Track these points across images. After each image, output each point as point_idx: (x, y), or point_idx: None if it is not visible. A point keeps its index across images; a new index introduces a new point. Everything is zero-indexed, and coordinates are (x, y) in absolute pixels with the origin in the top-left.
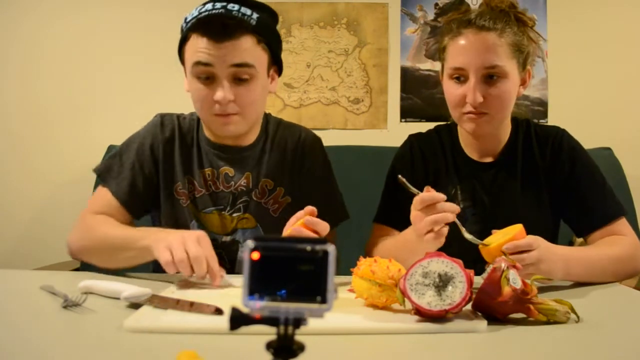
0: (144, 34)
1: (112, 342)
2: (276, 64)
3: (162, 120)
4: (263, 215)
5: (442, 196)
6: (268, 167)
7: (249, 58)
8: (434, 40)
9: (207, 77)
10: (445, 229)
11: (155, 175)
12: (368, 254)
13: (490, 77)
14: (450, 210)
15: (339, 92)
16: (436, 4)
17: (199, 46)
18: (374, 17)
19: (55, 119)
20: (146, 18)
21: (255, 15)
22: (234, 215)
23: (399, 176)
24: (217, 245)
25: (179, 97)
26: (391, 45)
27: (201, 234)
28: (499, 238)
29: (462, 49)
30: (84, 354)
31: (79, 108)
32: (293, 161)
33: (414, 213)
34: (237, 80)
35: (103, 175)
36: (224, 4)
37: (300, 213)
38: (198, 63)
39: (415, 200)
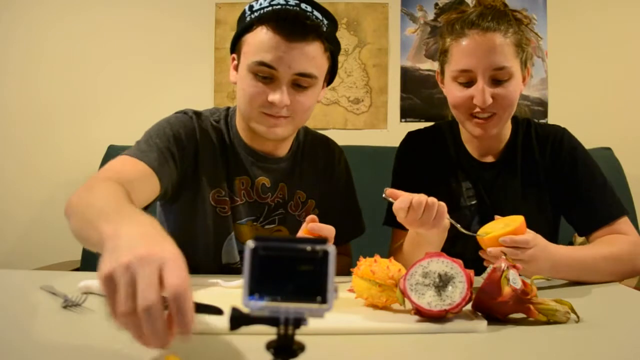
0: (144, 34)
1: (112, 342)
2: (331, 72)
3: (198, 121)
4: (297, 229)
5: (408, 196)
6: (301, 179)
7: (314, 68)
8: (434, 40)
9: (266, 76)
10: (440, 211)
11: (185, 169)
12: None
13: (498, 78)
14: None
15: (339, 92)
16: (436, 4)
17: (267, 43)
18: (374, 17)
19: (56, 119)
20: (146, 19)
21: (326, 22)
22: (267, 227)
23: (384, 192)
24: None
25: (179, 97)
26: (391, 45)
27: (169, 257)
28: (498, 228)
29: (467, 50)
30: (84, 354)
31: (79, 108)
32: (324, 172)
33: (403, 221)
34: (296, 86)
35: (134, 154)
36: (297, 1)
37: (303, 225)
38: (262, 63)
39: (395, 210)
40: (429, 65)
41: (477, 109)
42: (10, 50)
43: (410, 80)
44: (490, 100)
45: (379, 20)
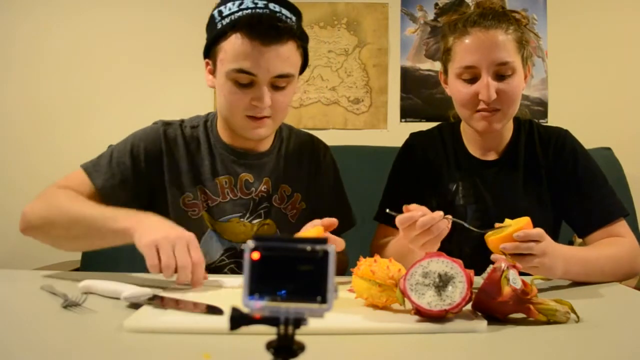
0: (145, 35)
1: (112, 342)
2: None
3: (165, 129)
4: (283, 221)
5: (418, 214)
6: (286, 173)
7: (290, 68)
8: (434, 40)
9: (245, 83)
10: (439, 235)
11: (150, 181)
12: (373, 255)
13: (501, 74)
14: (431, 222)
15: (339, 92)
16: (436, 4)
17: (243, 50)
18: (374, 17)
19: (56, 119)
20: (147, 20)
21: (294, 18)
22: (254, 222)
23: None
24: (236, 254)
25: (179, 98)
26: (391, 45)
27: (191, 237)
28: (506, 227)
29: (471, 47)
30: (84, 354)
31: (79, 109)
32: (309, 168)
33: (401, 233)
34: (274, 86)
35: (89, 169)
36: (265, 2)
37: (317, 221)
38: (241, 71)
39: (397, 221)
40: (429, 65)
41: (482, 105)
42: (11, 51)
43: (410, 80)
44: (494, 95)
45: (379, 20)
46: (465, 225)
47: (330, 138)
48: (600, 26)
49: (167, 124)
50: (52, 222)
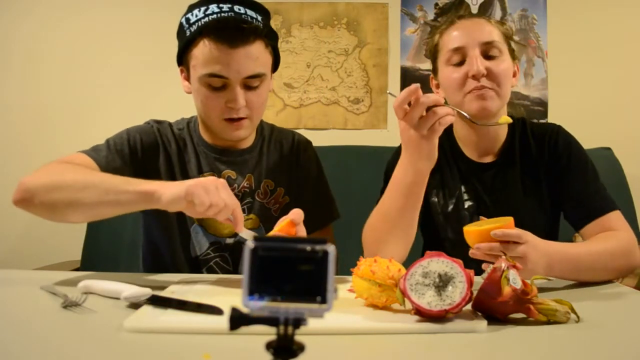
0: (144, 35)
1: (112, 342)
2: (275, 62)
3: (158, 127)
4: (266, 215)
5: (416, 87)
6: (268, 168)
7: (260, 67)
8: None
9: (219, 86)
10: (442, 120)
11: (145, 171)
12: (363, 234)
13: (488, 54)
14: (432, 101)
15: (339, 92)
16: (436, 4)
17: (212, 55)
18: (374, 17)
19: (56, 120)
20: (147, 20)
21: (260, 17)
22: None
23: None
24: (221, 248)
25: (178, 98)
26: (391, 45)
27: (220, 180)
28: (486, 223)
29: (457, 32)
30: (84, 354)
31: (79, 108)
32: (290, 162)
33: (401, 125)
34: (247, 87)
35: (89, 153)
36: (230, 5)
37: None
38: (212, 75)
39: (396, 104)
40: (428, 65)
41: (473, 83)
42: (11, 51)
43: (410, 80)
44: (483, 70)
45: (379, 20)
46: (462, 112)
47: (330, 138)
48: (600, 26)
49: (158, 122)
50: (59, 187)
